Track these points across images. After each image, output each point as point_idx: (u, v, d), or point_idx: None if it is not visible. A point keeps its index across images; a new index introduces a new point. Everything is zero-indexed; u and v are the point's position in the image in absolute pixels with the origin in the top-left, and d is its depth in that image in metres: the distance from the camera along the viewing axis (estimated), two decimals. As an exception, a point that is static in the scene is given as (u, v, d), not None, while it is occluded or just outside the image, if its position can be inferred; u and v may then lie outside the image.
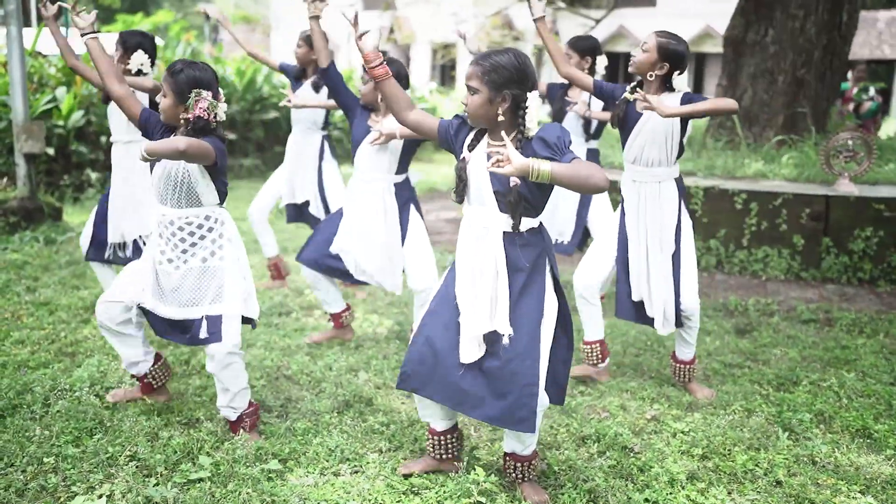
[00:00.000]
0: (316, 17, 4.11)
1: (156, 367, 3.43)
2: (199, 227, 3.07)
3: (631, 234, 3.71)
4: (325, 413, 3.45)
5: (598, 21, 13.86)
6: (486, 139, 2.66)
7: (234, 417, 3.20)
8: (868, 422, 3.43)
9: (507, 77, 2.52)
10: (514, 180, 2.53)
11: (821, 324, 4.89)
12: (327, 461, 3.04)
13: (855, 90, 9.68)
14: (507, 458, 2.87)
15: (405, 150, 3.97)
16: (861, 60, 10.94)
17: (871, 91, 9.62)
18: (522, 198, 2.55)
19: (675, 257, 3.66)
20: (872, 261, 5.63)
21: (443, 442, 2.95)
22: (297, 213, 5.40)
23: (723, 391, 3.82)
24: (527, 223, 2.62)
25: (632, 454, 3.17)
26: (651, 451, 3.17)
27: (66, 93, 8.44)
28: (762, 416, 3.52)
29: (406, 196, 4.04)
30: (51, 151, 8.03)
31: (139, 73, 4.17)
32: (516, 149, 2.53)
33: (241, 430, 3.20)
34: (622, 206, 3.78)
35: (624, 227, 3.74)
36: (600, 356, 3.94)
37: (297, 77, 5.34)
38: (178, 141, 2.77)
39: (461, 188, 2.66)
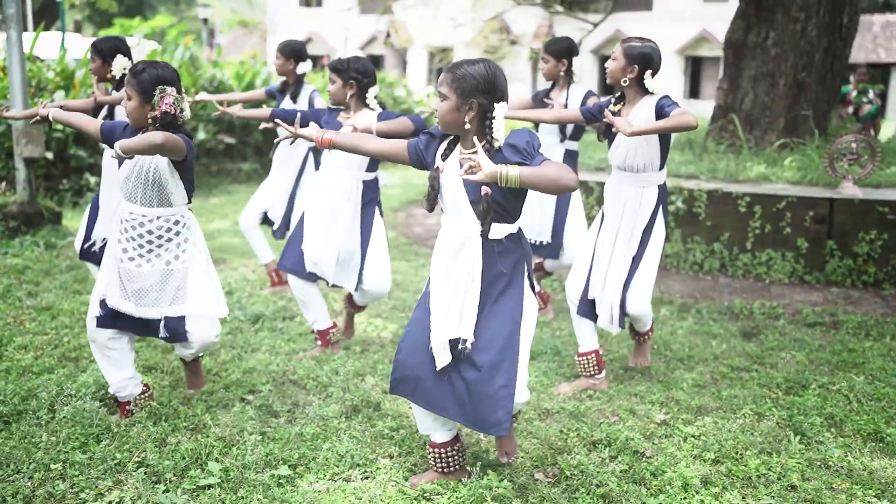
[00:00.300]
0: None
1: (142, 397, 3.38)
2: (168, 230, 3.16)
3: (603, 234, 3.78)
4: (333, 418, 3.42)
5: (595, 25, 13.86)
6: (458, 148, 2.70)
7: (190, 359, 3.56)
8: (880, 425, 3.41)
9: (475, 86, 2.56)
10: (485, 188, 2.55)
11: (827, 327, 4.88)
12: (337, 467, 3.01)
13: (855, 93, 9.69)
14: None
15: None
16: (861, 63, 10.94)
17: (871, 94, 9.63)
18: (496, 204, 2.58)
19: (635, 259, 3.71)
20: (877, 263, 5.63)
21: (444, 454, 2.91)
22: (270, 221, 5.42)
23: (732, 395, 3.80)
24: (505, 229, 2.66)
25: (644, 458, 3.15)
26: (663, 456, 3.15)
27: (65, 97, 8.39)
28: (773, 420, 3.50)
29: (371, 195, 4.05)
30: (50, 156, 7.99)
31: (123, 77, 4.19)
32: (494, 157, 2.57)
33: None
34: (602, 209, 3.84)
35: (599, 229, 3.81)
36: (597, 366, 3.88)
37: (280, 90, 5.30)
38: (155, 135, 2.85)
39: (432, 197, 2.71)
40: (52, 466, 2.89)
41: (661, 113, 3.48)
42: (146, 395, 3.41)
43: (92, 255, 4.30)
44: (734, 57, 7.99)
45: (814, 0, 7.45)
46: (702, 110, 13.15)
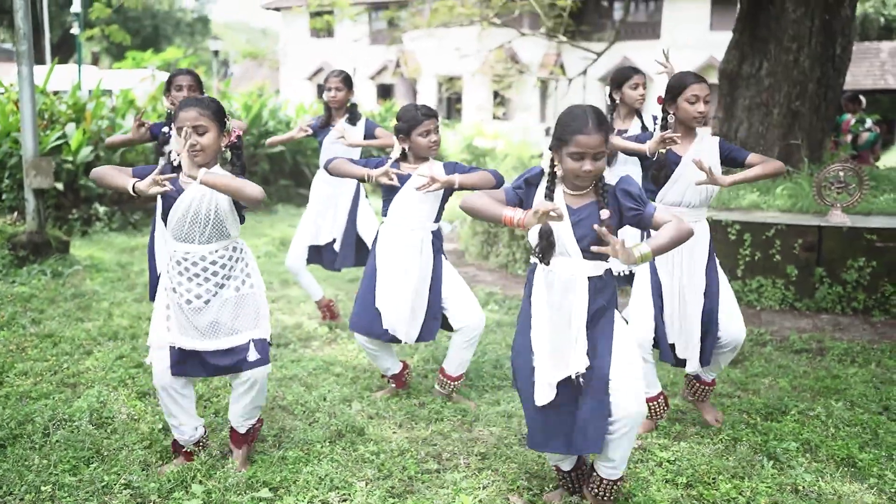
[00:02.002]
0: None
1: (204, 437, 3.36)
2: (229, 258, 3.13)
3: (663, 276, 3.65)
4: (316, 442, 3.52)
5: (598, 55, 14.03)
6: (560, 190, 2.77)
7: (244, 430, 3.31)
8: (853, 451, 3.47)
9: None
10: (605, 214, 2.68)
11: (813, 353, 4.94)
12: (317, 489, 3.10)
13: (853, 121, 9.77)
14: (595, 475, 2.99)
15: (445, 198, 3.94)
16: (851, 90, 11.02)
17: (868, 122, 9.71)
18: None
19: (709, 293, 3.63)
20: (866, 291, 5.68)
21: (571, 477, 3.07)
22: (317, 254, 5.35)
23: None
24: (603, 265, 2.81)
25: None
26: (635, 480, 3.22)
27: (76, 129, 8.64)
28: (748, 445, 3.56)
29: (438, 244, 3.98)
30: (60, 186, 8.20)
31: (169, 114, 4.35)
32: (601, 197, 2.73)
33: (243, 446, 3.31)
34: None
35: (656, 271, 3.67)
36: (665, 406, 3.81)
37: (323, 125, 5.21)
38: (253, 188, 2.93)
39: (549, 248, 2.75)
40: (43, 488, 3.00)
41: (729, 155, 3.59)
42: (205, 436, 3.37)
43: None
44: (729, 87, 8.12)
45: (806, 31, 7.58)
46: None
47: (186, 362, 3.14)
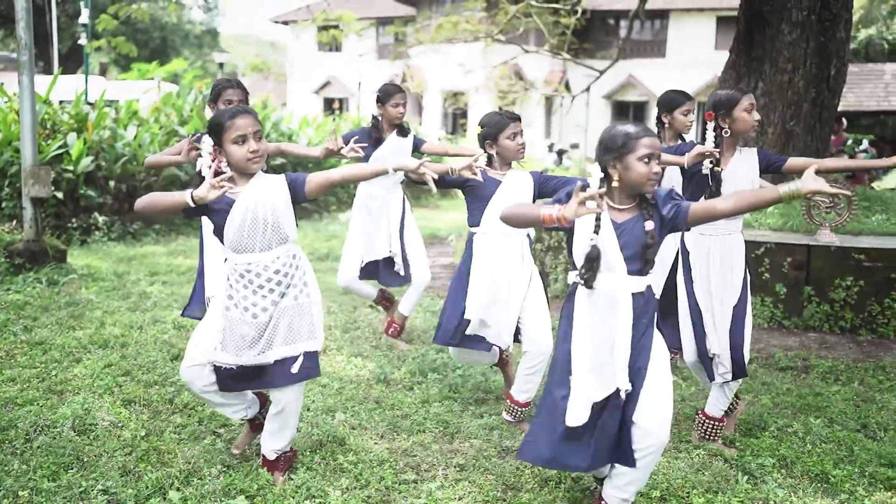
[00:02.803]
0: None
1: (264, 410, 3.42)
2: (289, 265, 3.10)
3: (698, 290, 3.71)
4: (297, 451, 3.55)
5: (601, 73, 14.12)
6: (605, 208, 2.74)
7: (272, 457, 3.29)
8: (827, 467, 3.49)
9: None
10: (649, 228, 2.72)
11: (798, 371, 4.96)
12: (293, 498, 3.14)
13: (850, 141, 9.82)
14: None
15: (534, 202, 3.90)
16: (855, 111, 11.08)
17: (865, 143, 9.76)
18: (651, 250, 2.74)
19: (739, 308, 3.68)
20: (853, 310, 5.71)
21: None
22: (374, 269, 5.29)
23: (690, 435, 3.88)
24: (646, 280, 2.81)
25: (593, 496, 3.25)
26: (609, 493, 3.24)
27: (77, 138, 8.73)
28: (724, 460, 3.59)
29: (529, 250, 3.96)
30: (59, 195, 8.29)
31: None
32: (646, 210, 2.76)
33: (276, 472, 3.29)
34: (685, 261, 3.78)
35: (691, 284, 3.73)
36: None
37: (375, 142, 5.05)
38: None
39: (594, 274, 2.74)
40: (21, 493, 3.04)
41: (770, 162, 3.68)
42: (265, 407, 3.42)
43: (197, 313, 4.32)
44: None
45: (801, 52, 7.64)
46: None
47: (237, 378, 3.14)
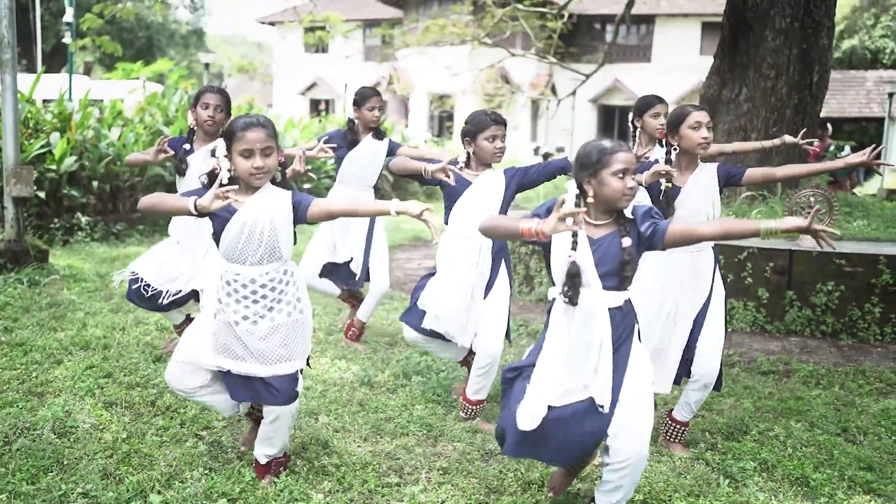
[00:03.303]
0: None
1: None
2: (280, 281, 3.07)
3: (656, 302, 3.69)
4: (279, 454, 3.54)
5: (587, 76, 14.18)
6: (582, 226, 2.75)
7: (263, 461, 3.28)
8: (807, 470, 3.52)
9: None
10: (628, 245, 2.70)
11: (780, 375, 5.00)
12: (276, 501, 3.12)
13: (832, 147, 9.91)
14: None
15: (505, 203, 3.93)
16: (838, 118, 11.19)
17: (847, 150, 9.86)
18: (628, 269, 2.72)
19: (698, 321, 3.69)
20: (834, 314, 5.76)
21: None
22: (334, 270, 5.34)
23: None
24: (625, 295, 2.79)
25: (575, 499, 3.26)
26: (591, 496, 3.25)
27: (60, 138, 8.67)
28: (706, 464, 3.61)
29: (497, 247, 3.96)
30: (42, 195, 8.22)
31: (192, 129, 4.48)
32: (623, 226, 2.75)
33: (267, 476, 3.28)
34: (647, 275, 3.73)
35: (647, 294, 3.69)
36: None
37: (350, 143, 5.15)
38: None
39: (576, 291, 2.72)
40: None
41: (730, 175, 3.61)
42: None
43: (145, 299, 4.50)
44: (709, 111, 8.20)
45: (784, 59, 7.72)
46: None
47: (238, 387, 3.13)
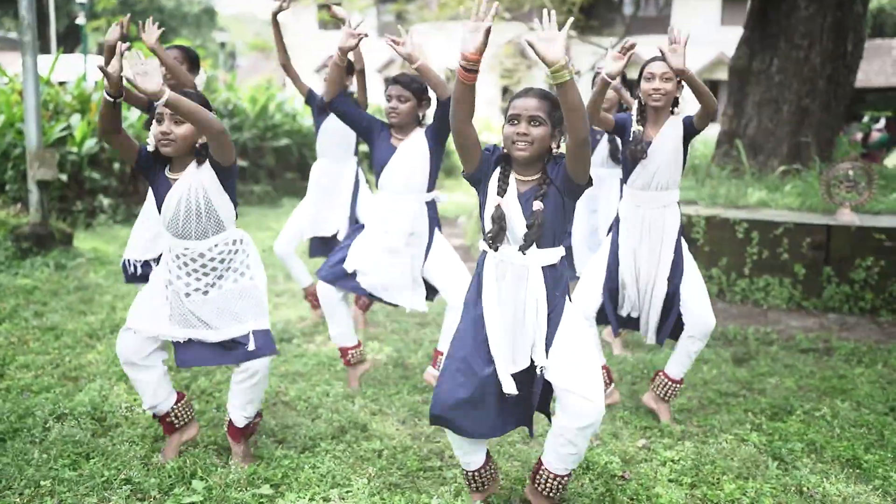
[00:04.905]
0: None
1: (178, 406, 3.30)
2: (228, 251, 3.09)
3: (623, 262, 3.72)
4: (319, 439, 3.49)
5: (607, 49, 13.94)
6: (513, 176, 2.67)
7: (242, 424, 3.25)
8: (858, 452, 3.43)
9: (560, 117, 2.60)
10: (538, 204, 2.60)
11: (820, 353, 4.90)
12: (318, 486, 3.08)
13: (866, 118, 9.71)
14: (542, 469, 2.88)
15: (433, 166, 3.89)
16: (862, 88, 10.96)
17: (882, 122, 9.65)
18: (550, 225, 2.63)
19: (674, 280, 3.67)
20: (874, 290, 5.63)
21: (479, 477, 2.94)
22: (323, 246, 5.22)
23: (716, 420, 3.83)
24: (557, 253, 2.69)
25: (621, 482, 3.19)
26: (640, 480, 3.19)
27: (80, 120, 8.62)
28: (753, 445, 3.53)
29: (432, 215, 3.95)
30: (64, 178, 8.19)
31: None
32: (543, 180, 2.64)
33: (242, 441, 3.26)
34: (617, 228, 3.76)
35: (616, 251, 3.74)
36: (607, 379, 3.93)
37: (322, 109, 5.05)
38: (217, 121, 2.83)
39: (501, 235, 2.63)
40: (42, 483, 2.99)
41: (689, 124, 3.56)
42: (182, 402, 3.29)
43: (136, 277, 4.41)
44: (739, 83, 8.06)
45: (817, 27, 7.52)
46: (714, 134, 13.19)
47: (189, 352, 3.13)
